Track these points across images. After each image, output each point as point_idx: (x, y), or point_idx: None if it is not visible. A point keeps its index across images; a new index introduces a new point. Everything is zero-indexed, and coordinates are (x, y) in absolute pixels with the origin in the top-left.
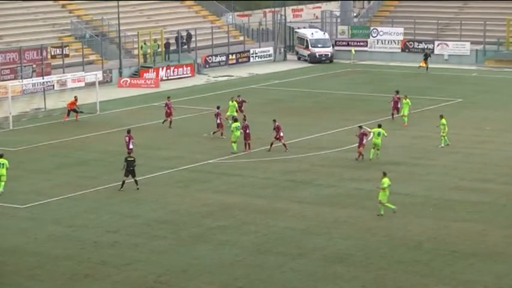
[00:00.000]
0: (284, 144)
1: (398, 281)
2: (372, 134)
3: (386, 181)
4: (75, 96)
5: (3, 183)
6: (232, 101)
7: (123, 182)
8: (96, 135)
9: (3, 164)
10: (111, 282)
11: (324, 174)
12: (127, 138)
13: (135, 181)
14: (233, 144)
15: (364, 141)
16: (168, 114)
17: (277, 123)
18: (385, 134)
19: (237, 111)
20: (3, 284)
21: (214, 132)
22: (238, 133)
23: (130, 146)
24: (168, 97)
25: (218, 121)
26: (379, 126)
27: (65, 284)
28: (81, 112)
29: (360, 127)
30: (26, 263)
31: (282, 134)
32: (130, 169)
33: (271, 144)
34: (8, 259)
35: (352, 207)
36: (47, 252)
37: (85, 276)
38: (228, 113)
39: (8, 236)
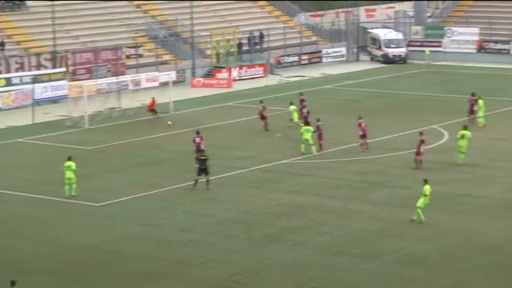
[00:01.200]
0: (365, 143)
1: (476, 285)
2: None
3: (428, 188)
4: (152, 98)
5: (74, 186)
6: (292, 105)
7: (196, 181)
8: (169, 135)
9: (69, 166)
10: (185, 281)
11: (398, 176)
12: (198, 139)
13: (207, 181)
14: (302, 145)
15: (422, 149)
16: (263, 117)
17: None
18: (470, 137)
19: (302, 114)
20: (79, 280)
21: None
22: (307, 135)
23: (202, 147)
24: (261, 101)
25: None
26: (465, 128)
27: (140, 282)
28: (158, 112)
29: (421, 133)
30: (101, 260)
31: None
32: (202, 168)
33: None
34: (83, 257)
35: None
36: (121, 250)
37: (160, 275)
38: (293, 119)
39: (83, 233)
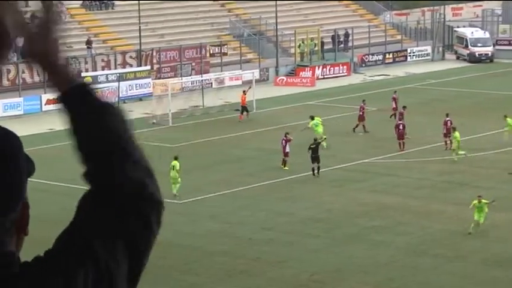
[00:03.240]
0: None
1: None
2: None
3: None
4: (243, 91)
5: (178, 185)
6: (313, 119)
7: (313, 170)
8: (252, 133)
9: (173, 166)
10: (265, 278)
11: (483, 176)
12: (283, 142)
13: (318, 167)
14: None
15: None
16: (362, 118)
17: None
18: None
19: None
20: (161, 276)
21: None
22: (319, 129)
23: (287, 150)
24: (363, 100)
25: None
26: None
27: (221, 279)
28: (237, 110)
29: None
30: (182, 257)
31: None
32: (314, 156)
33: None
34: (165, 253)
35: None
36: (203, 247)
37: (240, 272)
38: (318, 133)
39: (165, 230)
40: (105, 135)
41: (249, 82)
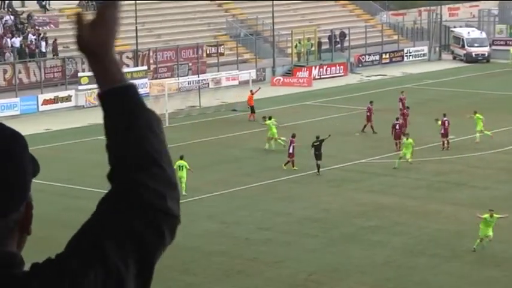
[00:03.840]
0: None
1: None
2: None
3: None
4: (251, 90)
5: (183, 185)
6: (266, 120)
7: (317, 166)
8: (249, 133)
9: (182, 166)
10: (263, 278)
11: (480, 176)
12: (289, 142)
13: (318, 165)
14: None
15: None
16: (369, 119)
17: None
18: None
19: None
20: (159, 276)
21: (363, 129)
22: (273, 130)
23: (290, 150)
24: (371, 101)
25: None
26: None
27: (218, 279)
28: (234, 110)
29: None
30: (180, 257)
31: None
32: (317, 153)
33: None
34: (163, 253)
35: (509, 210)
36: (200, 247)
37: (238, 272)
38: (273, 134)
39: None
40: (138, 145)
41: (246, 82)
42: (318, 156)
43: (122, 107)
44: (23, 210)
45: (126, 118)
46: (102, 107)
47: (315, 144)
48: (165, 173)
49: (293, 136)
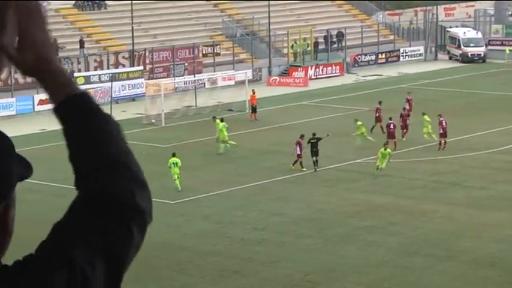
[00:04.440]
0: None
1: None
2: None
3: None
4: (252, 90)
5: (177, 181)
6: (216, 120)
7: (314, 163)
8: (245, 133)
9: (176, 163)
10: (258, 279)
11: (475, 176)
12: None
13: (316, 161)
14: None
15: None
16: (379, 119)
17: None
18: None
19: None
20: (155, 276)
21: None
22: (224, 132)
23: (298, 151)
24: (380, 102)
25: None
26: None
27: (214, 279)
28: (230, 110)
29: None
30: (176, 257)
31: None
32: (313, 150)
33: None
34: (159, 253)
35: (504, 210)
36: (196, 247)
37: (233, 272)
38: (224, 136)
39: (159, 230)
40: (101, 149)
41: (242, 82)
42: (314, 152)
43: (77, 115)
44: (1, 211)
45: (83, 124)
46: (59, 120)
47: (312, 141)
48: (130, 171)
49: (301, 137)
